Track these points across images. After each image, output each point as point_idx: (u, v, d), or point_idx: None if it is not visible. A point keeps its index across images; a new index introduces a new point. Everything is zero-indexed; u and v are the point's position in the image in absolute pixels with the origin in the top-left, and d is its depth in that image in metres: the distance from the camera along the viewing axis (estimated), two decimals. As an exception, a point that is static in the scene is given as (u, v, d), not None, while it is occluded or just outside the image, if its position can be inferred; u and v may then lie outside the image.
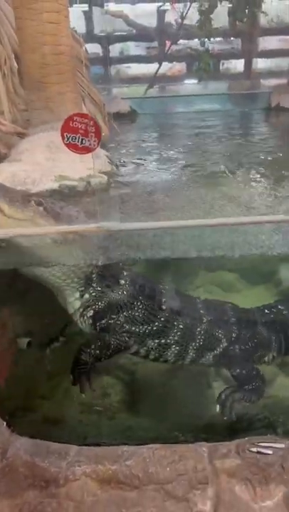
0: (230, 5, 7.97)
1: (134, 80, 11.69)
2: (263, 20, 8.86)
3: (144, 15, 11.80)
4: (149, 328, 2.96)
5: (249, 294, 4.60)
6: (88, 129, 2.08)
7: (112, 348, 2.83)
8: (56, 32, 3.77)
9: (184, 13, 8.25)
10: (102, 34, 11.65)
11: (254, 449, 2.51)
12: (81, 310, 2.87)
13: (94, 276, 2.84)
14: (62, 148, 3.75)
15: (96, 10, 11.08)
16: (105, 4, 11.52)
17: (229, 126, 6.61)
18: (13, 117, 4.38)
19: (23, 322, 3.17)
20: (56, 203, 2.57)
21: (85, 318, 2.89)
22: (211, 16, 7.31)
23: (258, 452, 2.49)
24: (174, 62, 10.66)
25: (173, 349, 3.02)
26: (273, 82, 9.93)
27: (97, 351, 2.80)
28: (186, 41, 10.07)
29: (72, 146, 2.16)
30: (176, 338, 3.01)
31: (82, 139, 2.13)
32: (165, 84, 10.41)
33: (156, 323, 2.96)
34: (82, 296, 2.85)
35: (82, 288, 2.83)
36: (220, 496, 2.45)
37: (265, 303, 3.46)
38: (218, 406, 2.94)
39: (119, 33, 11.92)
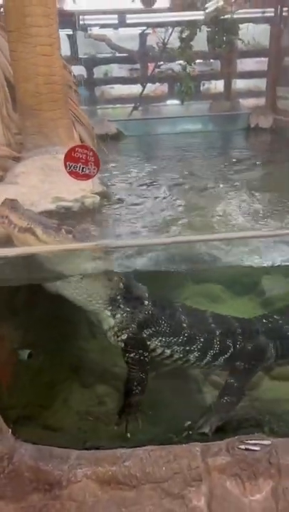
0: (209, 30, 8.41)
1: (118, 100, 12.05)
2: (240, 43, 9.32)
3: (127, 39, 12.26)
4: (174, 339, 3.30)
5: (234, 304, 4.85)
6: (88, 159, 2.31)
7: (146, 371, 3.16)
8: (49, 63, 4.03)
9: (166, 39, 8.64)
10: (86, 57, 12.04)
11: (243, 447, 2.71)
12: (116, 329, 3.17)
13: (119, 297, 3.12)
14: (56, 170, 4.01)
15: (80, 34, 11.44)
16: (89, 28, 11.88)
17: (212, 147, 6.94)
18: (7, 141, 4.59)
19: (23, 334, 3.34)
20: (83, 231, 2.84)
21: (118, 339, 3.18)
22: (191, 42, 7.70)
23: (247, 449, 2.69)
24: (157, 84, 11.05)
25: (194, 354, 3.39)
26: (251, 101, 10.41)
27: (140, 383, 3.13)
28: (167, 64, 10.46)
29: (74, 174, 2.39)
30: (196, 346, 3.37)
31: (82, 168, 2.37)
32: (149, 106, 10.75)
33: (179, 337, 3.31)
34: (114, 316, 3.15)
35: (110, 307, 3.12)
36: (212, 491, 2.64)
37: (251, 312, 3.75)
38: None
39: (102, 56, 12.29)
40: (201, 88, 11.91)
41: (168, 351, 3.31)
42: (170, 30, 9.14)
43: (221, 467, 2.67)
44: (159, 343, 3.26)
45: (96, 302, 3.05)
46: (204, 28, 8.39)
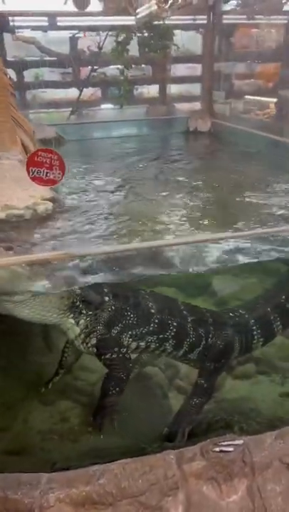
0: (140, 35, 8.48)
1: (51, 104, 11.79)
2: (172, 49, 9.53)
3: (57, 42, 12.02)
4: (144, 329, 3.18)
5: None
6: (53, 163, 2.18)
7: (127, 369, 3.03)
8: (-13, 65, 3.82)
9: (102, 43, 8.58)
10: (15, 60, 11.64)
11: (217, 449, 2.71)
12: (82, 337, 3.02)
13: (78, 302, 2.98)
14: (1, 177, 3.79)
15: (7, 36, 11.04)
16: (17, 31, 11.50)
17: (156, 149, 7.00)
18: None
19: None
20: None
21: (88, 344, 3.05)
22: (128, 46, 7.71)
23: (221, 451, 2.69)
24: (93, 88, 10.96)
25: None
26: (186, 106, 10.67)
27: (119, 384, 2.99)
28: (102, 68, 10.41)
29: (38, 179, 2.24)
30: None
31: (47, 172, 2.22)
32: (85, 110, 10.64)
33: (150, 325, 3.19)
34: (78, 323, 3.01)
35: (72, 315, 2.98)
36: (190, 498, 2.60)
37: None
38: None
39: (32, 59, 11.96)
40: (135, 93, 12.01)
41: (142, 344, 3.21)
42: (103, 34, 9.08)
43: (197, 472, 2.64)
44: (131, 338, 3.14)
45: (57, 315, 2.91)
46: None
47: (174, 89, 11.48)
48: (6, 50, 10.92)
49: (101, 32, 9.66)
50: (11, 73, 10.91)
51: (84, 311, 3.01)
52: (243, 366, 3.86)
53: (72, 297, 2.98)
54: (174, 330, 3.27)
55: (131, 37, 7.54)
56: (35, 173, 2.22)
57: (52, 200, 3.53)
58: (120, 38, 7.57)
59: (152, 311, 3.23)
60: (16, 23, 10.81)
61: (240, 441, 2.75)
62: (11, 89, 5.46)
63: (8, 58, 11.10)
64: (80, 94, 9.61)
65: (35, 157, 2.19)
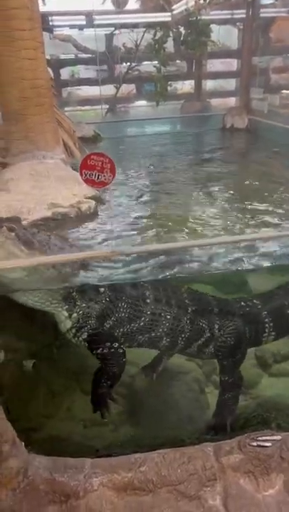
0: (176, 30, 8.48)
1: (86, 102, 11.98)
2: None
3: (92, 39, 12.19)
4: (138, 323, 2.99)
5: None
6: (104, 166, 2.29)
7: (119, 364, 2.91)
8: (34, 67, 3.97)
9: (138, 41, 8.66)
10: (52, 58, 11.90)
11: (254, 443, 2.77)
12: (74, 331, 2.90)
13: (74, 293, 2.84)
14: (45, 176, 3.95)
15: (45, 35, 11.27)
16: (55, 30, 11.73)
17: (191, 147, 7.00)
18: (-10, 146, 4.48)
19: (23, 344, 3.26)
20: (28, 230, 2.57)
21: (80, 339, 2.91)
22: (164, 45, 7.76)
23: (258, 446, 2.75)
24: (129, 85, 11.06)
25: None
26: (221, 102, 10.60)
27: (110, 378, 2.92)
28: (139, 65, 10.48)
29: (90, 182, 2.36)
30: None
31: (98, 175, 2.34)
32: (120, 107, 10.74)
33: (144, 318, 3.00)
34: (70, 316, 2.87)
35: (67, 306, 2.85)
36: (227, 490, 2.68)
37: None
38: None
39: (68, 57, 12.18)
40: (169, 89, 12.02)
41: (135, 343, 3.06)
42: (139, 31, 9.15)
43: (234, 465, 2.71)
44: (122, 335, 2.99)
45: (50, 303, 2.79)
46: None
47: (209, 84, 11.43)
48: (44, 49, 11.20)
49: (137, 29, 9.75)
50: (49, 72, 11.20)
51: (78, 303, 2.86)
52: (279, 364, 3.88)
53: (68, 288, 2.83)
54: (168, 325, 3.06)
55: (168, 34, 7.55)
56: (87, 176, 2.34)
57: (94, 198, 3.67)
58: (157, 36, 7.59)
59: (148, 300, 3.02)
60: (54, 23, 11.06)
61: (278, 437, 2.79)
62: (52, 89, 5.64)
63: (46, 57, 11.38)
64: (116, 92, 9.71)
65: (88, 160, 2.31)
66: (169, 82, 12.09)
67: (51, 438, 3.12)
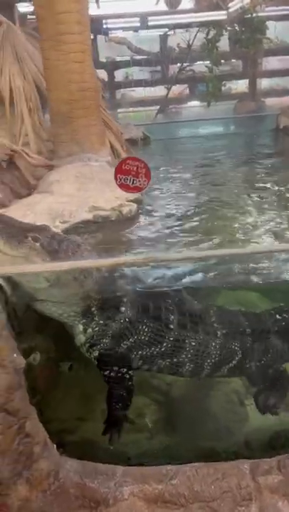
0: (230, 29, 8.28)
1: (140, 103, 12.06)
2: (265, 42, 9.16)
3: (147, 40, 12.24)
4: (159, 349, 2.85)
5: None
6: (139, 171, 2.25)
7: (126, 387, 2.81)
8: (81, 70, 4.00)
9: (191, 41, 8.56)
10: (107, 60, 12.11)
11: (295, 465, 2.61)
12: (87, 347, 2.81)
13: (93, 308, 2.75)
14: (90, 178, 3.97)
15: (100, 38, 11.49)
16: (110, 32, 11.92)
17: (243, 149, 6.76)
18: (38, 149, 4.59)
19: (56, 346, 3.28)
20: (55, 239, 2.51)
21: (91, 355, 2.84)
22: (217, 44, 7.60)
23: (300, 468, 2.58)
24: (181, 85, 11.00)
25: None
26: (275, 101, 10.22)
27: (120, 400, 2.82)
28: (192, 65, 10.38)
29: (124, 186, 2.33)
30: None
31: (133, 180, 2.30)
32: (171, 108, 10.68)
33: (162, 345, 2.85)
34: (85, 331, 2.79)
35: (84, 320, 2.77)
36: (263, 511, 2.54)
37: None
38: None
39: (123, 59, 12.34)
40: (223, 89, 11.81)
41: (154, 367, 2.93)
42: (193, 31, 9.04)
43: (272, 486, 2.57)
44: (140, 358, 2.86)
45: (68, 315, 2.71)
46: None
47: (264, 83, 11.09)
48: (99, 52, 11.41)
49: (190, 29, 9.66)
50: (103, 74, 11.42)
51: (96, 319, 2.75)
52: None
53: (90, 300, 2.73)
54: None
55: (221, 33, 7.39)
56: (122, 181, 2.30)
57: (136, 201, 3.63)
58: (210, 35, 7.45)
59: (172, 326, 2.84)
60: (109, 25, 11.24)
61: None
62: (101, 92, 5.69)
63: (101, 59, 11.61)
64: (168, 93, 9.67)
65: (123, 165, 2.27)
66: (224, 82, 11.93)
67: (84, 441, 3.11)
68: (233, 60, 10.91)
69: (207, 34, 7.66)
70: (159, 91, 11.53)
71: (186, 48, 9.10)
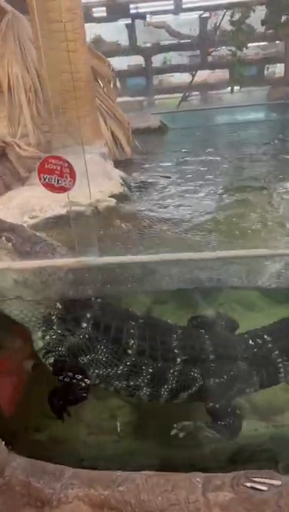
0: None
1: (178, 89, 11.75)
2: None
3: (186, 23, 11.84)
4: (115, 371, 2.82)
5: (272, 313, 4.46)
6: (63, 171, 2.16)
7: (79, 395, 2.78)
8: (73, 60, 3.90)
9: (218, 23, 8.16)
10: (146, 45, 11.86)
11: (248, 484, 2.45)
12: (43, 353, 2.82)
13: (54, 317, 2.75)
14: (80, 172, 3.89)
15: (138, 22, 11.26)
16: (148, 16, 11.65)
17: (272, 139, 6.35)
18: (37, 140, 4.58)
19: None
20: (29, 241, 2.50)
21: (46, 362, 2.84)
22: (243, 26, 7.16)
23: (252, 488, 2.42)
24: (210, 71, 10.58)
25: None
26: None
27: (65, 401, 2.81)
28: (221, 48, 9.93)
29: (50, 186, 2.25)
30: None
31: (58, 180, 2.21)
32: (200, 95, 10.32)
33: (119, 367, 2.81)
34: (43, 337, 2.79)
35: (44, 328, 2.77)
36: (212, 530, 2.41)
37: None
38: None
39: (161, 43, 12.04)
40: (265, 73, 11.22)
41: (111, 387, 2.88)
42: (223, 15, 8.61)
43: (222, 504, 2.43)
44: (96, 376, 2.82)
45: (30, 320, 2.71)
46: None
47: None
48: (137, 37, 11.21)
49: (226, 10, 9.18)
50: (140, 59, 11.23)
51: (54, 328, 2.74)
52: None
53: (51, 309, 2.74)
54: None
55: (247, 15, 6.96)
56: (46, 180, 2.21)
57: (119, 196, 3.53)
58: (235, 18, 7.05)
59: (130, 351, 2.77)
60: (144, 9, 10.97)
61: (277, 482, 2.44)
62: (112, 80, 5.55)
63: (139, 44, 11.40)
64: (192, 79, 9.34)
65: (46, 164, 2.18)
66: (267, 66, 11.32)
67: (50, 440, 3.10)
68: (277, 42, 10.31)
69: (231, 16, 7.24)
70: (200, 76, 11.16)
71: (214, 31, 8.68)
